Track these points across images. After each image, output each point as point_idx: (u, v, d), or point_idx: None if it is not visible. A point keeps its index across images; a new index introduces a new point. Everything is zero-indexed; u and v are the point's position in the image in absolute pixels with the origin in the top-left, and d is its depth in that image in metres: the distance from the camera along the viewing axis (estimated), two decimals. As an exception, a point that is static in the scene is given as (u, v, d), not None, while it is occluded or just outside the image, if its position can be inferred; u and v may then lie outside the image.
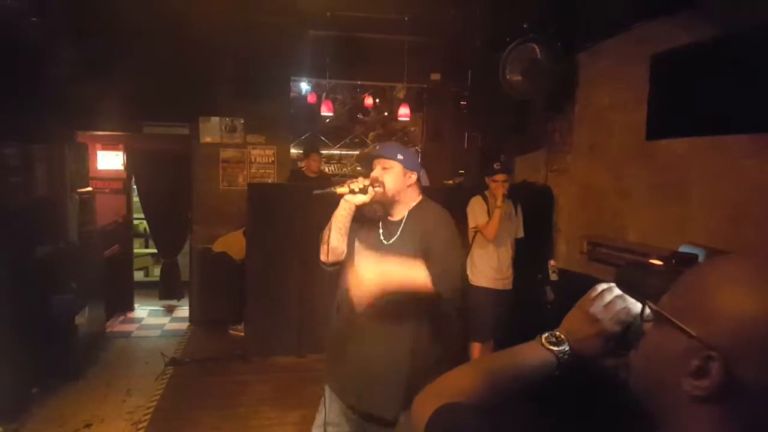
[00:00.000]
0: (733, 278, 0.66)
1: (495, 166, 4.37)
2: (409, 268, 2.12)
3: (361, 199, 2.28)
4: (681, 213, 3.76)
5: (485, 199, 4.51)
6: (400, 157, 2.37)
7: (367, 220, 2.45)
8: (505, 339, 4.37)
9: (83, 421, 4.14)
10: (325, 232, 2.35)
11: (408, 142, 7.90)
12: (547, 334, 0.97)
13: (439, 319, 2.29)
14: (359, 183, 2.28)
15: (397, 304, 2.15)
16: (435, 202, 2.49)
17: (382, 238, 2.38)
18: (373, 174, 2.36)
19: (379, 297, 2.07)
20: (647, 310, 0.80)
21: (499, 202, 4.28)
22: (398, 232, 2.37)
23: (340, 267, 2.38)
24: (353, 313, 2.25)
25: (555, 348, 0.95)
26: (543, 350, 0.95)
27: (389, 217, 2.42)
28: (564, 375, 0.95)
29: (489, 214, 4.41)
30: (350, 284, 2.10)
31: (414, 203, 2.43)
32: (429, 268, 2.20)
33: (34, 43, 4.40)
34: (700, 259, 0.82)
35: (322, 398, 2.49)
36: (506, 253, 4.50)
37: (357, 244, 2.38)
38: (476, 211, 4.48)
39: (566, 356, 0.94)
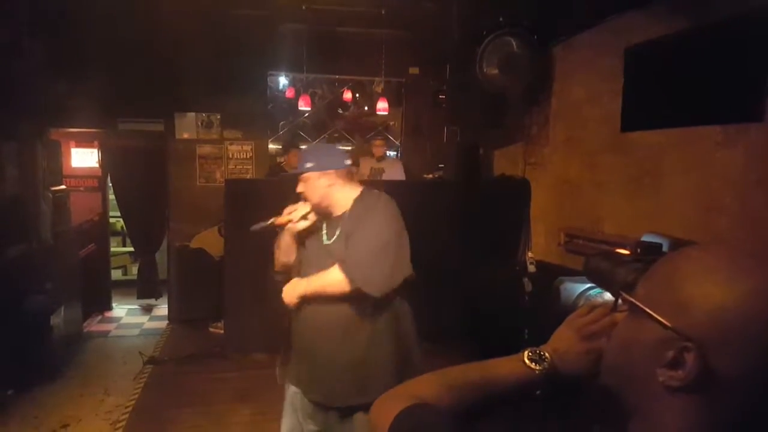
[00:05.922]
0: (707, 268, 0.66)
1: None
2: (324, 275, 2.21)
3: (303, 225, 2.26)
4: (656, 204, 3.80)
5: None
6: (308, 165, 2.28)
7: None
8: (485, 332, 4.39)
9: (60, 422, 4.08)
10: (275, 248, 2.41)
11: (388, 137, 7.86)
12: (529, 351, 0.90)
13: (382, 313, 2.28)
14: (299, 211, 2.26)
15: (329, 307, 2.23)
16: (380, 192, 2.34)
17: (325, 238, 2.33)
18: (298, 189, 2.32)
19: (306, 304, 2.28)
20: (620, 301, 0.79)
21: None
22: (338, 230, 2.30)
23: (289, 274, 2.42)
24: (305, 312, 2.28)
25: (537, 366, 0.88)
26: (523, 367, 0.88)
27: (331, 216, 2.35)
28: (546, 395, 0.89)
29: None
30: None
31: (354, 195, 2.32)
32: (346, 259, 2.17)
33: (2, 39, 4.31)
34: (664, 248, 0.82)
35: (289, 403, 2.51)
36: None
37: (301, 248, 2.34)
38: None
39: (550, 375, 0.88)
